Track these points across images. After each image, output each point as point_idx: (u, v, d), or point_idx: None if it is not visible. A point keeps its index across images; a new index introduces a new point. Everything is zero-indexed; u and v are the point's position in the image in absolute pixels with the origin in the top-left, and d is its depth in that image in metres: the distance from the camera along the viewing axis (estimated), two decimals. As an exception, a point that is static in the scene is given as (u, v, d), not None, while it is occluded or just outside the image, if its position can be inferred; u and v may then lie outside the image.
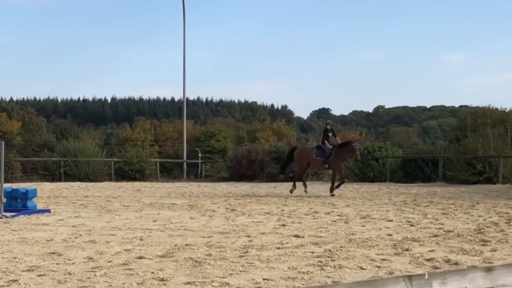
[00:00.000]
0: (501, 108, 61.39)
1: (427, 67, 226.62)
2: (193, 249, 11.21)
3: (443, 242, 12.29)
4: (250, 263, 9.77)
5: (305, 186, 25.97)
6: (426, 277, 2.00)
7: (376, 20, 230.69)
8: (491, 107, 60.63)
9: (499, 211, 18.03)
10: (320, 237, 12.94)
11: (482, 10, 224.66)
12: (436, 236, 13.12)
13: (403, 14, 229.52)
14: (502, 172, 31.95)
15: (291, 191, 25.77)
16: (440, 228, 14.33)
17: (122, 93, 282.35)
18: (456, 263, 9.82)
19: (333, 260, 10.07)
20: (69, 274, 8.95)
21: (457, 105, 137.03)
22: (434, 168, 34.97)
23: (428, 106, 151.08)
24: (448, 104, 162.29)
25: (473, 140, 34.01)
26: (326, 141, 25.70)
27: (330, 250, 11.07)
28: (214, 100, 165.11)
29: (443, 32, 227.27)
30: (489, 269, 2.13)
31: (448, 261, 10.15)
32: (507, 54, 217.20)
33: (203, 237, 12.90)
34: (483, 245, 11.93)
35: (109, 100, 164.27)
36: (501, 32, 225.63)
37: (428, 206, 19.98)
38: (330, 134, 26.09)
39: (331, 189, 25.32)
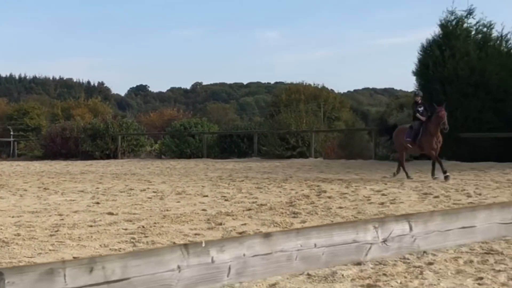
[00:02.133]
0: (314, 84, 63.58)
1: (243, 44, 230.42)
2: (1, 229, 10.80)
3: (255, 215, 12.52)
4: (61, 242, 9.54)
5: (404, 172, 20.70)
6: (203, 245, 2.00)
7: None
8: (304, 84, 62.62)
9: (310, 184, 18.59)
10: (134, 214, 12.84)
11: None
12: (249, 210, 13.35)
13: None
14: (314, 147, 33.00)
15: (394, 174, 20.84)
16: (253, 202, 14.59)
17: None
18: (267, 235, 10.03)
19: (146, 236, 10.02)
20: None
21: (272, 82, 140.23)
22: (250, 144, 35.59)
23: (244, 83, 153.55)
24: (264, 80, 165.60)
25: (286, 116, 34.94)
26: (418, 115, 20.55)
27: (143, 227, 11.01)
28: (27, 77, 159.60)
29: (258, 9, 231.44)
30: (267, 236, 2.16)
31: (257, 233, 10.34)
32: (319, 32, 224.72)
33: (12, 217, 12.47)
34: (294, 217, 12.25)
35: None
36: (313, 10, 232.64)
37: (243, 181, 20.31)
38: (421, 109, 20.76)
39: (443, 172, 19.44)
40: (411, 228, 2.42)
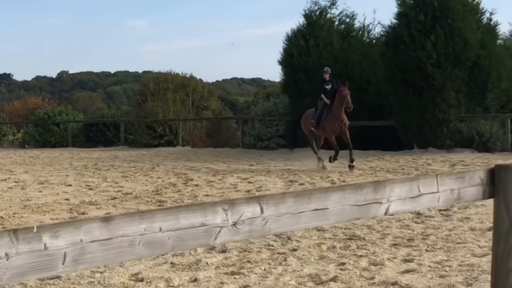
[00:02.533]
0: (182, 73, 63.30)
1: (111, 33, 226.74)
2: None
3: (120, 204, 12.36)
4: None
5: (318, 159, 19.07)
6: (35, 230, 1.86)
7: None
8: (172, 73, 62.25)
9: (177, 173, 18.50)
10: (-7, 204, 12.40)
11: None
12: (114, 198, 13.16)
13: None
14: (182, 135, 32.90)
15: (323, 167, 18.64)
16: (119, 191, 14.39)
17: None
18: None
19: (4, 227, 9.66)
20: None
21: (140, 71, 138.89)
22: (116, 132, 35.10)
23: (112, 72, 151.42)
24: (132, 69, 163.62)
25: (153, 104, 34.68)
26: (323, 97, 18.94)
27: (1, 217, 10.63)
28: None
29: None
30: (107, 219, 2.05)
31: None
32: (187, 21, 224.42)
33: None
34: (160, 205, 12.17)
35: None
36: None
37: (109, 169, 19.99)
38: (329, 87, 19.05)
39: (333, 156, 18.89)
40: (262, 211, 2.36)
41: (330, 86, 18.90)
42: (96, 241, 1.93)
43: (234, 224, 2.24)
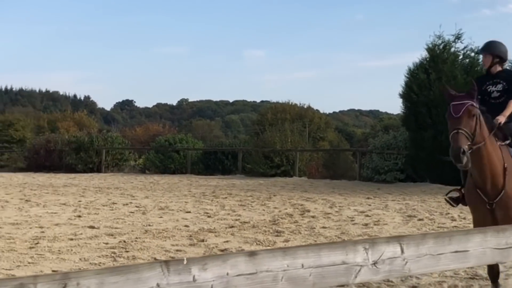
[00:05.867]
0: (300, 104, 63.72)
1: (230, 62, 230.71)
2: (-20, 241, 10.65)
3: (238, 233, 12.45)
4: (40, 254, 9.41)
5: None
6: (185, 262, 1.90)
7: (179, 14, 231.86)
8: (290, 103, 62.74)
9: (294, 203, 18.51)
10: (116, 228, 12.72)
11: (283, 9, 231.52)
12: (232, 227, 13.27)
13: (206, 9, 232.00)
14: (298, 165, 32.94)
15: None
16: (236, 220, 14.51)
17: None
18: (250, 254, 9.93)
19: (127, 251, 9.90)
20: None
21: (258, 100, 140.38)
22: (234, 161, 35.47)
23: (231, 101, 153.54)
24: (250, 99, 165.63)
25: (271, 134, 34.87)
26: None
27: (124, 241, 10.90)
28: (14, 89, 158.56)
29: (246, 27, 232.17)
30: (252, 254, 2.06)
31: (241, 251, 10.28)
32: (306, 52, 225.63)
33: (-8, 228, 12.31)
34: (277, 235, 12.19)
35: None
36: (300, 31, 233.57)
37: (226, 198, 20.20)
38: (495, 90, 7.95)
39: None
40: (402, 251, 2.32)
41: (498, 88, 8.00)
42: (242, 275, 1.95)
43: (374, 263, 2.22)
